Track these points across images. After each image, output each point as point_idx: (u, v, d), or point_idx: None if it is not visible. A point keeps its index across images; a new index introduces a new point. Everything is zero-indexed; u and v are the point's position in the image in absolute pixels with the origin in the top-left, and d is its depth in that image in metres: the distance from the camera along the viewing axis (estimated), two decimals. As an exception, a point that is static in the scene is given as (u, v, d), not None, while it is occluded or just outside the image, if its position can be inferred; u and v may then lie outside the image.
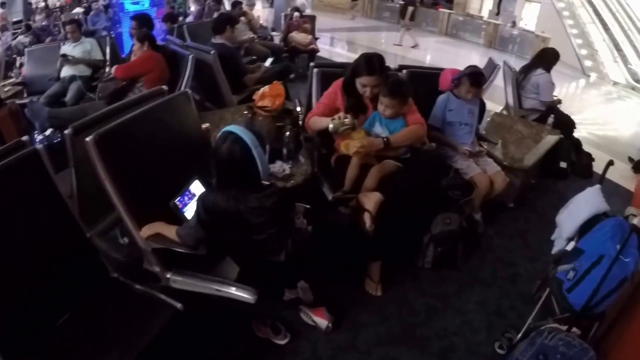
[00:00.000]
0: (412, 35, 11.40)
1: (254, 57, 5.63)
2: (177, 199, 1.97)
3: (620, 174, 4.48)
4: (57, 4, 18.66)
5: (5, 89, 5.29)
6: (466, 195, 2.76)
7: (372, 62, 2.37)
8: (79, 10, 12.88)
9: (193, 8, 9.24)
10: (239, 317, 2.21)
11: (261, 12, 12.82)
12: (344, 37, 12.13)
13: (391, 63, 2.97)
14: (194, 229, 1.79)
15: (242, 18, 6.39)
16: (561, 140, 3.83)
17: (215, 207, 1.71)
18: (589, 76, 10.88)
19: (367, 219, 2.22)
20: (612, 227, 1.85)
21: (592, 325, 1.92)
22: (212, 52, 3.82)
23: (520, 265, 2.88)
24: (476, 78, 2.88)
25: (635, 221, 2.01)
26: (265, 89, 2.82)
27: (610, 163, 2.22)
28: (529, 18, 15.13)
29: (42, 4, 16.75)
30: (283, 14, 7.54)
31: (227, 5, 8.17)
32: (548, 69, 4.29)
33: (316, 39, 7.17)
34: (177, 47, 4.18)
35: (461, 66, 3.01)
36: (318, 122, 2.48)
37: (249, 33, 6.16)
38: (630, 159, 4.86)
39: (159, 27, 6.24)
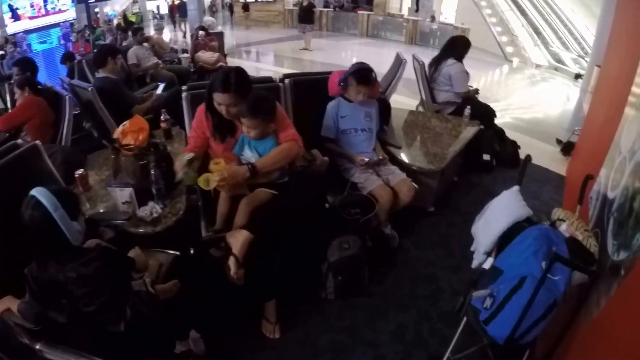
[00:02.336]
0: (309, 38, 11.36)
1: (159, 83, 5.26)
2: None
3: (550, 158, 4.37)
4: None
5: None
6: (367, 212, 2.44)
7: (227, 78, 2.01)
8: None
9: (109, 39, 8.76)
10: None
11: (172, 35, 12.52)
12: (268, 50, 11.85)
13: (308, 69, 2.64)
14: (30, 304, 1.58)
15: (145, 44, 5.98)
16: (481, 131, 3.60)
17: (38, 278, 1.51)
18: (512, 61, 11.08)
19: (232, 264, 1.89)
20: (535, 240, 1.54)
21: (522, 353, 1.61)
22: (89, 88, 3.52)
23: (442, 279, 2.59)
24: (362, 75, 2.56)
25: (563, 227, 1.71)
26: (125, 124, 2.47)
27: (528, 159, 1.95)
28: (448, 12, 15.48)
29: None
30: (190, 34, 7.15)
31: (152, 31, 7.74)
32: (460, 58, 4.07)
33: (225, 55, 6.82)
34: (62, 87, 3.81)
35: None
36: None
37: (152, 59, 5.76)
38: (559, 141, 4.74)
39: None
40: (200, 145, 2.22)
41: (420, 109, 4.49)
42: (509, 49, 11.44)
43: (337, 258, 2.28)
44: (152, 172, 2.25)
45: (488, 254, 1.83)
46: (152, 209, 2.18)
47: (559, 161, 4.32)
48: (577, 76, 8.87)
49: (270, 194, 2.08)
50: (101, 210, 2.22)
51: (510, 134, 4.42)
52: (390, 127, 3.33)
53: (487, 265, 1.79)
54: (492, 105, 4.43)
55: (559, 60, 10.27)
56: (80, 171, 2.32)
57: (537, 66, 10.36)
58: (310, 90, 2.78)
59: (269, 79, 2.81)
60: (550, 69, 10.13)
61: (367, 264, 2.40)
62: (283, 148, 2.10)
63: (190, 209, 2.25)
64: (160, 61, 5.86)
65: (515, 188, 1.89)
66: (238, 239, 1.92)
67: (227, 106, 2.06)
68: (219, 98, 2.05)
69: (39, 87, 3.65)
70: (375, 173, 2.60)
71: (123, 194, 2.18)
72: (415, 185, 2.61)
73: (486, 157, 4.05)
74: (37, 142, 2.05)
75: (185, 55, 6.95)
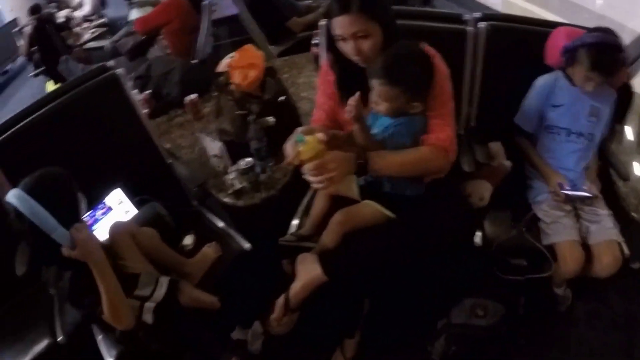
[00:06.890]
0: None
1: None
2: (88, 213, 1.55)
3: None
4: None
5: (91, 30, 5.34)
6: (538, 270, 1.55)
7: None
8: None
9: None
10: None
11: None
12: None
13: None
14: None
15: None
16: None
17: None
18: None
19: (277, 307, 1.35)
20: None
21: None
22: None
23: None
24: (601, 58, 1.51)
25: None
26: (233, 56, 1.96)
27: None
28: None
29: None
30: None
31: None
32: None
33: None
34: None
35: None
36: None
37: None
38: None
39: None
40: (332, 117, 1.52)
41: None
42: None
43: (462, 322, 1.57)
44: (252, 127, 1.80)
45: None
46: (235, 180, 1.77)
47: None
48: None
49: (382, 214, 1.35)
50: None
51: None
52: (623, 128, 2.18)
53: None
54: None
55: None
56: (193, 96, 2.11)
57: None
58: (516, 46, 1.77)
59: (453, 17, 1.82)
60: None
61: (504, 340, 1.61)
62: (423, 153, 1.31)
63: (293, 186, 1.72)
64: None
65: None
66: (302, 276, 1.31)
67: (353, 37, 1.30)
68: (337, 26, 1.31)
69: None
70: (573, 211, 1.62)
71: (213, 147, 1.85)
72: (626, 252, 1.54)
73: None
74: (119, 71, 1.77)
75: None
